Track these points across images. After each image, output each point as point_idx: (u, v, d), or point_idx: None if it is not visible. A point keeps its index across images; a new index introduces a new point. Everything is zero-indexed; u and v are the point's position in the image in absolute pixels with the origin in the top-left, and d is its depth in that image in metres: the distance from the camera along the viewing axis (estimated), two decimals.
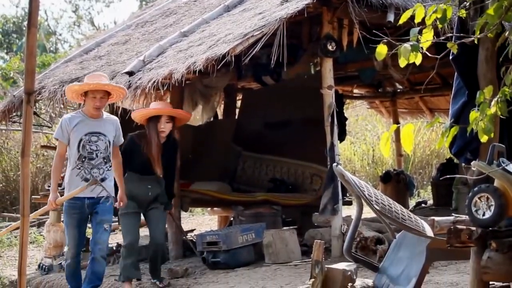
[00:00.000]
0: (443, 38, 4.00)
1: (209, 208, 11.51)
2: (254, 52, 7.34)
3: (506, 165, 3.96)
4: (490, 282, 4.26)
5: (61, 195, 6.50)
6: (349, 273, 4.77)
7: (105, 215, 6.40)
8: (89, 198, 6.33)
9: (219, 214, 11.12)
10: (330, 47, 7.87)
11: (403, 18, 3.88)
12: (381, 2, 7.76)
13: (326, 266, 4.80)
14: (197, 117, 11.42)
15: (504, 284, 4.45)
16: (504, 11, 3.73)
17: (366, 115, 18.77)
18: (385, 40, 3.82)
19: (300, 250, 7.91)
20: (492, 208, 3.94)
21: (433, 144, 16.63)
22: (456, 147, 5.18)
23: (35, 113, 10.04)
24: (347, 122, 11.53)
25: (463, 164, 5.45)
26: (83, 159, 6.33)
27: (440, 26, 3.90)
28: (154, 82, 7.56)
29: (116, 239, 10.64)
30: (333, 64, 8.06)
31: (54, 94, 8.73)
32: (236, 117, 11.58)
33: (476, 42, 4.20)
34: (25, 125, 3.84)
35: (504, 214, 3.95)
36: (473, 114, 3.72)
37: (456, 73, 5.21)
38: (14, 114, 9.94)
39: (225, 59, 7.27)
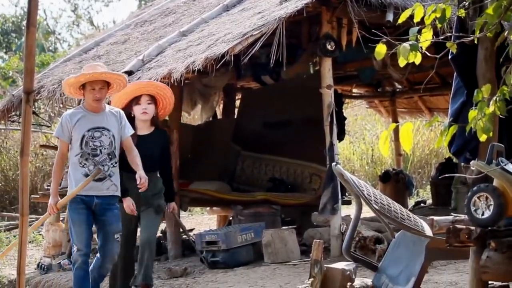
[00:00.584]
0: (442, 37, 4.00)
1: (208, 208, 11.52)
2: (253, 51, 7.35)
3: (505, 165, 3.97)
4: (489, 282, 4.26)
5: (62, 197, 5.96)
6: (348, 272, 4.77)
7: (114, 223, 5.94)
8: (98, 197, 5.86)
9: (218, 213, 11.12)
10: (329, 47, 7.87)
11: (402, 18, 3.88)
12: (380, 1, 7.77)
13: (325, 265, 4.80)
14: (196, 116, 11.42)
15: (503, 283, 4.45)
16: (503, 11, 3.73)
17: (365, 115, 18.76)
18: (384, 40, 3.82)
19: (299, 249, 7.92)
20: (491, 207, 3.94)
21: (432, 143, 16.63)
22: (455, 146, 5.19)
23: (34, 112, 10.03)
24: (346, 122, 11.54)
25: (462, 163, 5.46)
26: (86, 157, 5.87)
27: (439, 25, 3.90)
28: None
29: None
30: (332, 64, 8.06)
31: (53, 94, 8.73)
32: (235, 116, 11.58)
33: (475, 41, 4.20)
34: (24, 125, 3.84)
35: (503, 214, 3.95)
36: (472, 113, 3.72)
37: (455, 73, 5.22)
38: (13, 113, 9.94)
39: (224, 59, 7.28)
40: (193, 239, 7.89)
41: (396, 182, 11.81)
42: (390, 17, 7.76)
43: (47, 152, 15.92)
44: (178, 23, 9.83)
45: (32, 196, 10.27)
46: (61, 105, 9.08)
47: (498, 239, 3.96)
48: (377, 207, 4.44)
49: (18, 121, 10.33)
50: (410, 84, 12.97)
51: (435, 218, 4.64)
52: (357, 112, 18.10)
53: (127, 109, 6.47)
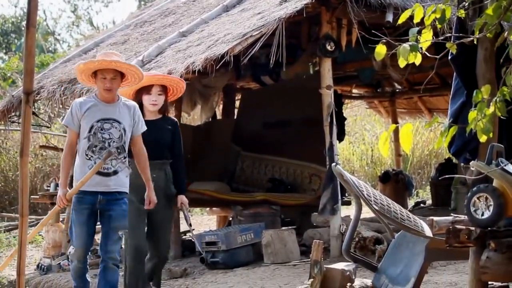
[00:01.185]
0: (442, 38, 3.99)
1: (208, 208, 11.51)
2: (253, 52, 7.35)
3: (505, 165, 3.97)
4: (489, 282, 4.26)
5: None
6: (348, 273, 4.78)
7: (120, 220, 5.51)
8: (102, 194, 5.46)
9: (218, 214, 11.12)
10: (329, 47, 7.88)
11: (402, 18, 3.88)
12: (379, 2, 7.77)
13: (325, 266, 4.80)
14: (196, 117, 11.42)
15: (503, 284, 4.45)
16: (503, 11, 3.73)
17: (365, 115, 18.76)
18: (384, 40, 3.82)
19: (299, 250, 7.92)
20: (491, 208, 3.94)
21: (431, 144, 16.63)
22: (455, 147, 5.18)
23: (34, 113, 10.03)
24: (346, 122, 11.55)
25: (462, 164, 5.46)
26: (94, 149, 5.45)
27: (439, 26, 3.90)
28: None
29: None
30: (332, 64, 8.06)
31: (53, 94, 8.73)
32: (235, 117, 11.58)
33: (475, 42, 4.20)
34: (24, 125, 3.85)
35: (503, 214, 3.95)
36: (472, 114, 3.72)
37: (455, 73, 5.22)
38: (13, 114, 9.94)
39: (224, 59, 7.28)
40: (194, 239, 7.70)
41: (395, 182, 11.82)
42: (389, 17, 7.76)
43: (47, 152, 15.94)
44: (177, 23, 9.83)
45: (32, 196, 10.27)
46: (61, 106, 9.08)
47: (497, 240, 3.96)
48: (377, 208, 4.44)
49: (17, 121, 10.33)
50: (410, 85, 12.98)
51: (435, 218, 4.65)
52: (357, 112, 18.10)
53: (137, 97, 6.11)
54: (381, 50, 3.80)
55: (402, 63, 3.76)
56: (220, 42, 7.73)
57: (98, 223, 5.70)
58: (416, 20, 3.82)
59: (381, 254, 6.78)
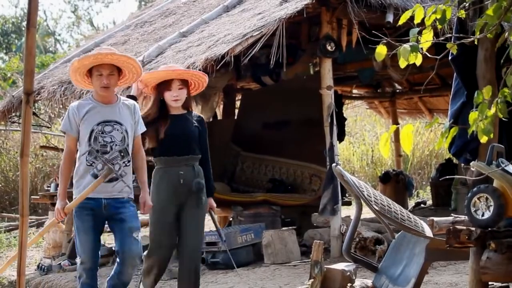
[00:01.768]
0: (442, 38, 3.99)
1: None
2: (253, 52, 7.35)
3: (505, 166, 3.97)
4: (489, 283, 4.26)
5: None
6: (348, 273, 4.77)
7: (132, 222, 5.10)
8: (106, 199, 5.09)
9: (218, 214, 11.11)
10: (329, 48, 7.88)
11: (403, 19, 3.88)
12: (380, 2, 7.77)
13: (325, 266, 4.80)
14: None
15: (503, 284, 4.45)
16: (504, 12, 3.73)
17: (365, 116, 18.77)
18: (385, 41, 3.82)
19: (299, 250, 7.92)
20: (491, 208, 3.94)
21: (432, 144, 16.64)
22: (455, 147, 5.18)
23: (34, 113, 10.04)
24: (346, 123, 11.55)
25: (462, 164, 5.46)
26: (95, 154, 5.07)
27: (439, 26, 3.89)
28: None
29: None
30: (332, 65, 8.07)
31: (53, 95, 8.73)
32: (235, 117, 11.58)
33: (475, 42, 4.20)
34: (24, 125, 3.84)
35: (503, 215, 3.95)
36: (473, 115, 3.72)
37: (455, 74, 5.22)
38: (13, 114, 9.95)
39: (224, 60, 7.28)
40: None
41: (396, 183, 11.83)
42: (390, 18, 7.76)
43: (47, 153, 15.95)
44: (178, 24, 9.83)
45: (32, 197, 10.28)
46: (61, 106, 9.08)
47: (498, 240, 3.96)
48: (377, 208, 4.44)
49: (18, 122, 10.34)
50: (410, 85, 12.99)
51: (435, 219, 4.65)
52: (357, 112, 18.11)
53: (158, 93, 5.67)
54: (381, 50, 3.80)
55: (402, 63, 3.76)
56: (220, 42, 7.74)
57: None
58: (417, 20, 3.82)
59: (381, 254, 6.79)
